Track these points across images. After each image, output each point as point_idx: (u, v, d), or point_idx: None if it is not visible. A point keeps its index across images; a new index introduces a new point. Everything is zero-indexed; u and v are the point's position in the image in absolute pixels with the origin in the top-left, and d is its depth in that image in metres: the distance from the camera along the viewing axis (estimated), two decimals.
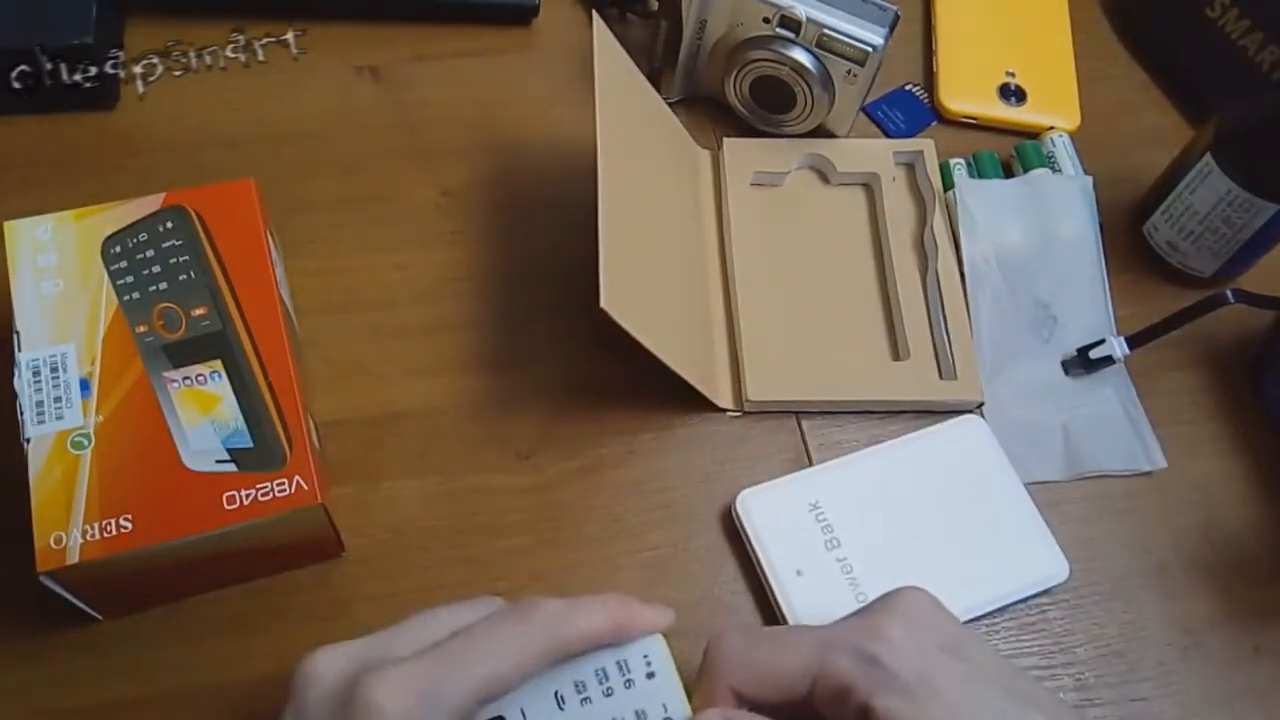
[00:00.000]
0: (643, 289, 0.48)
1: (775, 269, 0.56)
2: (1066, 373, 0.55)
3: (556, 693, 0.36)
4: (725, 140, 0.59)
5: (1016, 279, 0.57)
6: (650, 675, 0.37)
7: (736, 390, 0.53)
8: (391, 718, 0.32)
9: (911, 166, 0.60)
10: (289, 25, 0.61)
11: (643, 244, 0.50)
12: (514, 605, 0.36)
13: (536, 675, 0.35)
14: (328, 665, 0.34)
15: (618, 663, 0.37)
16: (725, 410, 0.53)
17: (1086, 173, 0.60)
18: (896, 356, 0.55)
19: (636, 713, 0.36)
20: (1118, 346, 0.54)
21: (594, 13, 0.50)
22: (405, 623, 0.36)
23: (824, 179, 0.60)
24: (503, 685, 0.34)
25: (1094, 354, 0.55)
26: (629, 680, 0.36)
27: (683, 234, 0.56)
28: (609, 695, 0.36)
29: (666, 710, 0.36)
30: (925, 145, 0.60)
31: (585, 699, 0.36)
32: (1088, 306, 0.57)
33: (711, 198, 0.58)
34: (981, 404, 0.54)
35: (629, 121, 0.51)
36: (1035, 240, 0.58)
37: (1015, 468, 0.52)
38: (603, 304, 0.43)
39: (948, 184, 0.59)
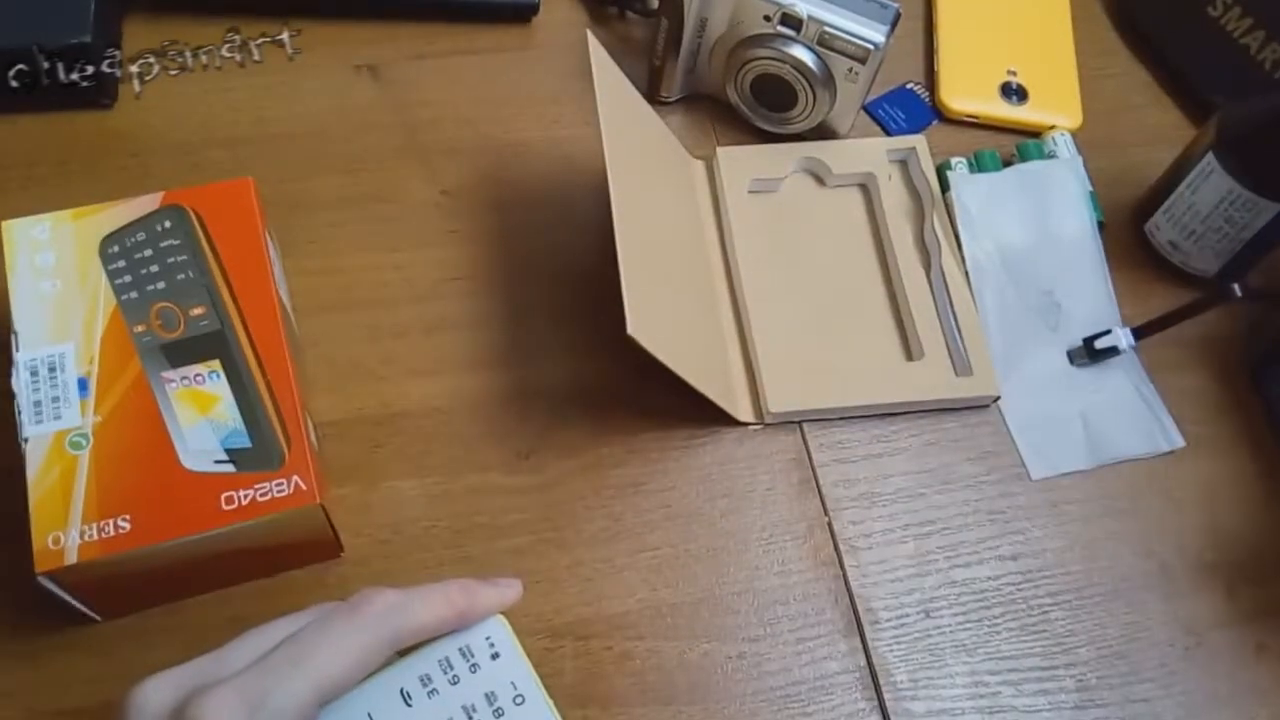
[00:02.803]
0: (663, 311, 0.48)
1: (781, 276, 0.56)
2: (1072, 362, 0.55)
3: (403, 690, 0.35)
4: (719, 150, 0.58)
5: (1019, 270, 0.57)
6: (495, 656, 0.36)
7: (756, 403, 0.53)
8: None
9: (906, 164, 0.60)
10: (284, 25, 0.61)
11: (656, 264, 0.50)
12: (347, 601, 0.35)
13: (378, 671, 0.34)
14: (155, 692, 0.32)
15: (460, 649, 0.36)
16: (747, 424, 0.53)
17: (1088, 172, 0.60)
18: (910, 356, 0.55)
19: (486, 695, 0.35)
20: (1124, 337, 0.54)
21: (589, 33, 0.50)
22: (236, 640, 0.34)
23: (820, 182, 0.60)
24: (337, 685, 0.33)
25: (1099, 344, 0.55)
26: (474, 665, 0.36)
27: (687, 248, 0.55)
28: (455, 683, 0.35)
29: (516, 688, 0.36)
30: (917, 142, 0.60)
31: (432, 691, 0.35)
32: (1089, 290, 0.57)
33: (710, 207, 0.58)
34: (998, 398, 0.54)
35: (631, 142, 0.51)
36: (1032, 228, 0.58)
37: (1039, 461, 0.53)
38: (630, 332, 0.42)
39: (945, 184, 0.59)
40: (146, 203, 0.47)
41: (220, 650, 0.34)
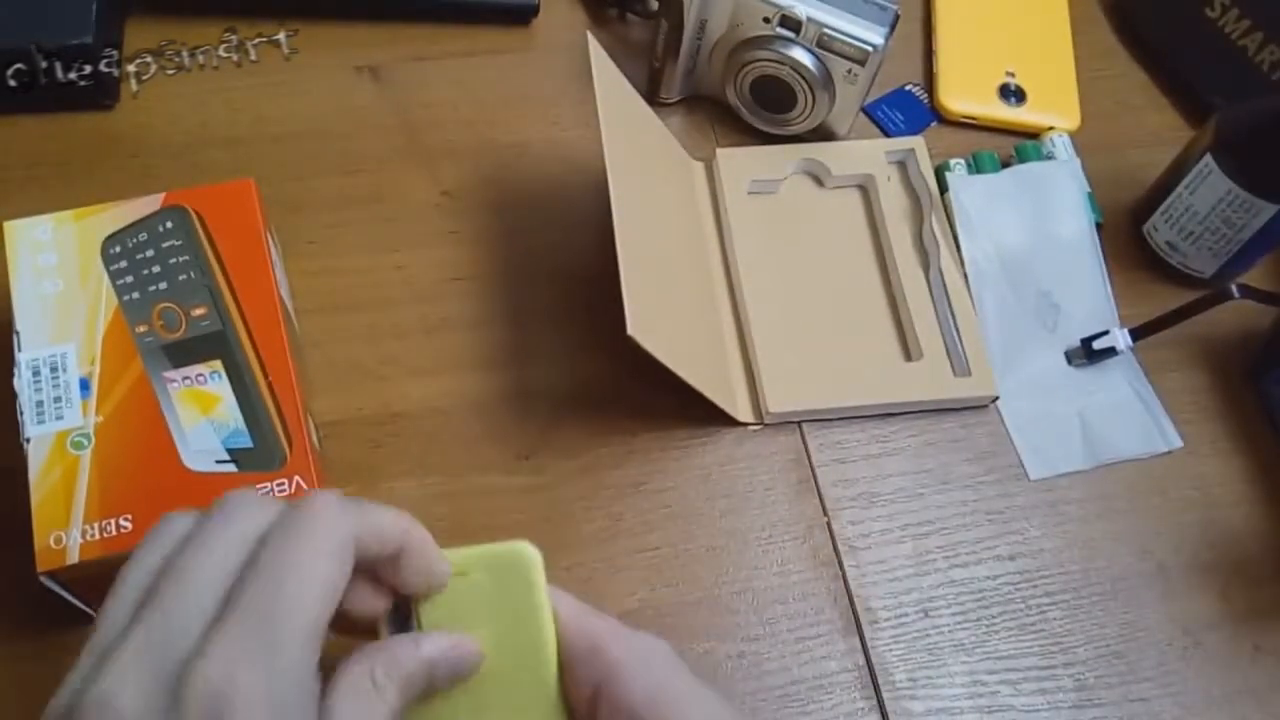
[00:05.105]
0: (662, 311, 0.48)
1: (780, 277, 0.56)
2: (1070, 363, 0.56)
3: None
4: (718, 151, 0.59)
5: (1017, 271, 0.57)
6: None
7: (755, 403, 0.53)
8: (249, 688, 0.26)
9: (904, 165, 0.60)
10: (281, 26, 0.61)
11: (656, 264, 0.50)
12: (287, 515, 0.29)
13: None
14: (125, 687, 0.26)
15: None
16: (747, 424, 0.53)
17: (1086, 173, 0.60)
18: (909, 357, 0.55)
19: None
20: (1122, 338, 0.55)
21: (589, 35, 0.50)
22: (159, 594, 0.27)
23: (819, 183, 0.60)
24: (329, 603, 0.28)
25: (1097, 345, 0.55)
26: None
27: (687, 248, 0.56)
28: None
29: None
30: (916, 144, 0.60)
31: None
32: (1088, 292, 0.57)
33: (709, 208, 0.58)
34: (996, 398, 0.54)
35: (631, 143, 0.52)
36: (1031, 230, 0.58)
37: (1037, 462, 0.53)
38: (630, 332, 0.43)
39: (944, 185, 0.59)
40: (148, 203, 0.47)
41: (156, 598, 0.27)
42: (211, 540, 0.29)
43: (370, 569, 0.31)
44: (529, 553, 0.34)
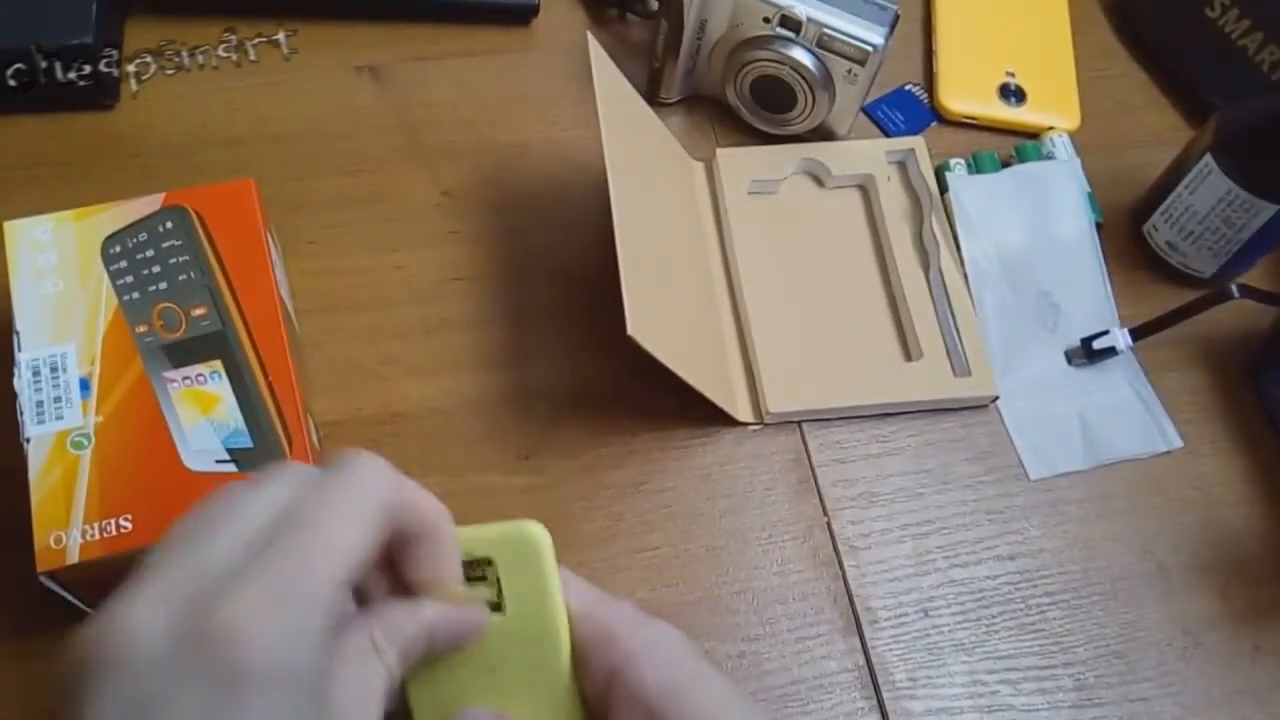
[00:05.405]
0: (662, 311, 0.48)
1: (780, 277, 0.56)
2: (1070, 362, 0.56)
3: None
4: (718, 151, 0.59)
5: (1017, 271, 0.57)
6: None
7: (755, 403, 0.53)
8: (259, 635, 0.26)
9: (905, 165, 0.60)
10: (280, 26, 0.61)
11: (656, 265, 0.50)
12: (332, 467, 0.30)
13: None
14: (144, 613, 0.27)
15: None
16: (747, 424, 0.53)
17: (1086, 173, 0.60)
18: (909, 357, 0.55)
19: None
20: (1122, 338, 0.55)
21: (589, 35, 0.50)
22: (199, 529, 0.29)
23: (819, 183, 0.60)
24: (356, 557, 0.29)
25: (1097, 344, 0.55)
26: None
27: (687, 248, 0.56)
28: None
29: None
30: (916, 144, 0.60)
31: None
32: (1088, 292, 0.57)
33: (709, 208, 0.58)
34: (996, 398, 0.54)
35: (631, 143, 0.52)
36: (1031, 229, 0.58)
37: (1037, 462, 0.53)
38: (630, 332, 0.43)
39: (944, 185, 0.59)
40: (148, 203, 0.47)
41: (188, 546, 0.28)
42: (247, 498, 0.30)
43: (391, 553, 0.31)
44: (539, 533, 0.33)
